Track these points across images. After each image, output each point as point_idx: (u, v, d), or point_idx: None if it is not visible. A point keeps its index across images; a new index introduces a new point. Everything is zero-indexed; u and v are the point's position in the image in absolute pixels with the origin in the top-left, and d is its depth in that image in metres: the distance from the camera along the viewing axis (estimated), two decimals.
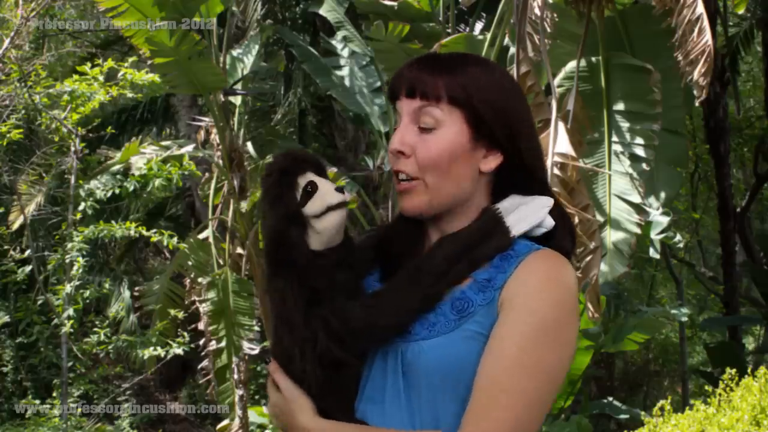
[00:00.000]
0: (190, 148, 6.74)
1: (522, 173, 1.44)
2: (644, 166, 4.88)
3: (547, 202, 1.43)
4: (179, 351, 6.60)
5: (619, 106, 5.00)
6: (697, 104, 5.28)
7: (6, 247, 7.85)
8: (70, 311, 6.51)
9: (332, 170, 6.27)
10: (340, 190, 1.40)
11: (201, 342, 6.34)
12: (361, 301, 1.37)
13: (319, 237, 1.39)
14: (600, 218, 4.59)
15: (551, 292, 1.33)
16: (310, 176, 1.41)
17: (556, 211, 1.45)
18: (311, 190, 1.40)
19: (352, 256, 1.43)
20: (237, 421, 6.07)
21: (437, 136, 1.39)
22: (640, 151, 4.90)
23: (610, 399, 9.29)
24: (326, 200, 1.39)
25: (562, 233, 1.45)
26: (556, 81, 4.87)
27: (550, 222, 1.43)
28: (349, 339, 1.34)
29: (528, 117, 1.47)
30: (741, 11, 11.09)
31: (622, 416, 8.44)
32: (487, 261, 1.38)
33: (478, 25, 9.50)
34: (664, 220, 7.17)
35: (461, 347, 1.32)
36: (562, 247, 1.43)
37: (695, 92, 4.37)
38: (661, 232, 7.21)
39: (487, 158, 1.42)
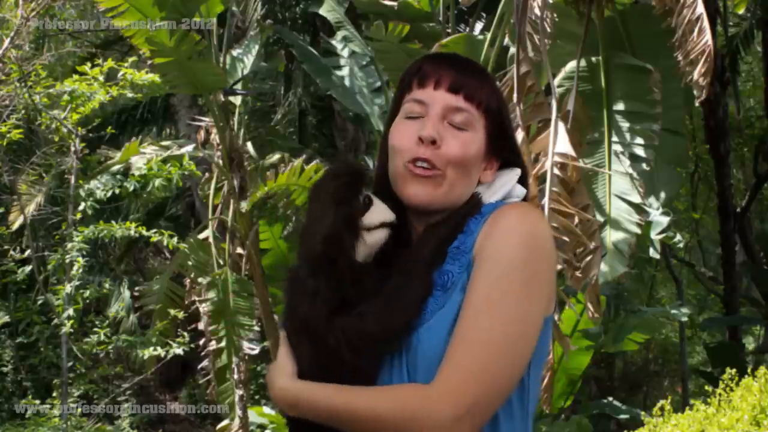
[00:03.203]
0: (190, 148, 6.73)
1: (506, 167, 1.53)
2: (644, 166, 4.89)
3: (515, 172, 1.51)
4: (179, 351, 6.58)
5: (619, 106, 5.00)
6: (697, 104, 5.29)
7: (6, 247, 7.83)
8: (70, 311, 6.50)
9: None
10: (391, 209, 1.44)
11: (201, 342, 6.34)
12: (372, 306, 1.37)
13: (365, 249, 1.41)
14: (600, 218, 4.59)
15: (516, 236, 1.36)
16: (366, 191, 1.45)
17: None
18: (368, 203, 1.43)
19: (381, 275, 1.44)
20: (237, 421, 6.07)
21: (468, 136, 1.44)
22: (640, 151, 4.90)
23: (610, 399, 9.28)
24: (384, 216, 1.42)
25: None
26: (556, 81, 4.87)
27: (520, 191, 1.50)
28: (365, 347, 1.35)
29: None
30: (741, 11, 11.09)
31: (622, 416, 8.44)
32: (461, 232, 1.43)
33: (478, 25, 9.51)
34: (664, 220, 7.17)
35: (451, 323, 1.34)
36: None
37: (695, 92, 4.37)
38: (661, 232, 7.21)
39: (486, 171, 1.49)
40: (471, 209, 1.44)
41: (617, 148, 4.93)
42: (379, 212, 1.42)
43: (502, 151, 1.49)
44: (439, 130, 1.42)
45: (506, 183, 1.49)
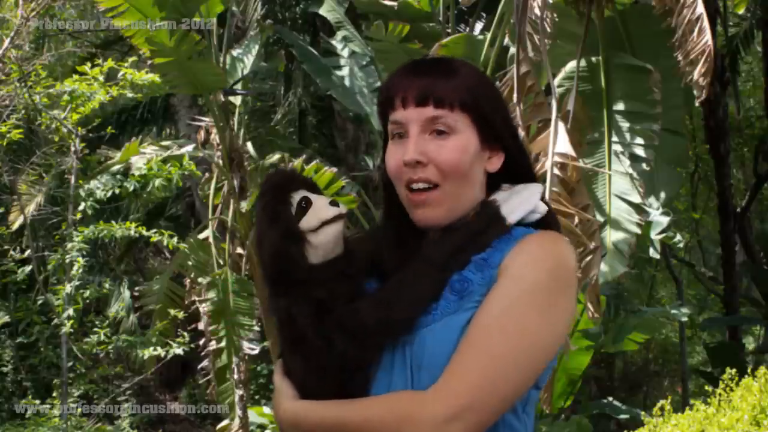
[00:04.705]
0: (190, 148, 6.73)
1: (513, 166, 1.48)
2: (644, 166, 4.89)
3: (538, 188, 1.48)
4: (179, 351, 6.59)
5: (619, 106, 5.00)
6: (697, 104, 5.29)
7: (6, 247, 7.83)
8: (70, 311, 6.50)
9: (332, 170, 6.27)
10: (335, 203, 1.41)
11: (201, 342, 6.33)
12: (373, 297, 1.37)
13: (315, 251, 1.39)
14: (600, 218, 4.59)
15: (543, 261, 1.35)
16: (303, 193, 1.43)
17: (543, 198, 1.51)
18: (305, 205, 1.41)
19: (352, 267, 1.43)
20: (237, 421, 6.07)
21: (454, 142, 1.41)
22: (640, 151, 4.90)
23: (610, 399, 9.29)
24: (320, 215, 1.40)
25: (553, 215, 1.49)
26: (556, 81, 4.87)
27: (542, 207, 1.46)
28: (365, 336, 1.35)
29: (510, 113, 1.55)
30: (741, 11, 11.09)
31: (622, 416, 8.44)
32: (486, 248, 1.40)
33: (478, 25, 9.52)
34: (664, 220, 7.17)
35: (459, 331, 1.33)
36: (557, 228, 1.48)
37: (695, 92, 4.37)
38: (661, 232, 7.21)
39: (492, 159, 1.46)
40: (497, 229, 1.40)
41: (617, 148, 4.93)
42: (318, 212, 1.40)
43: (498, 136, 1.45)
44: (421, 147, 1.39)
45: (527, 199, 1.44)
